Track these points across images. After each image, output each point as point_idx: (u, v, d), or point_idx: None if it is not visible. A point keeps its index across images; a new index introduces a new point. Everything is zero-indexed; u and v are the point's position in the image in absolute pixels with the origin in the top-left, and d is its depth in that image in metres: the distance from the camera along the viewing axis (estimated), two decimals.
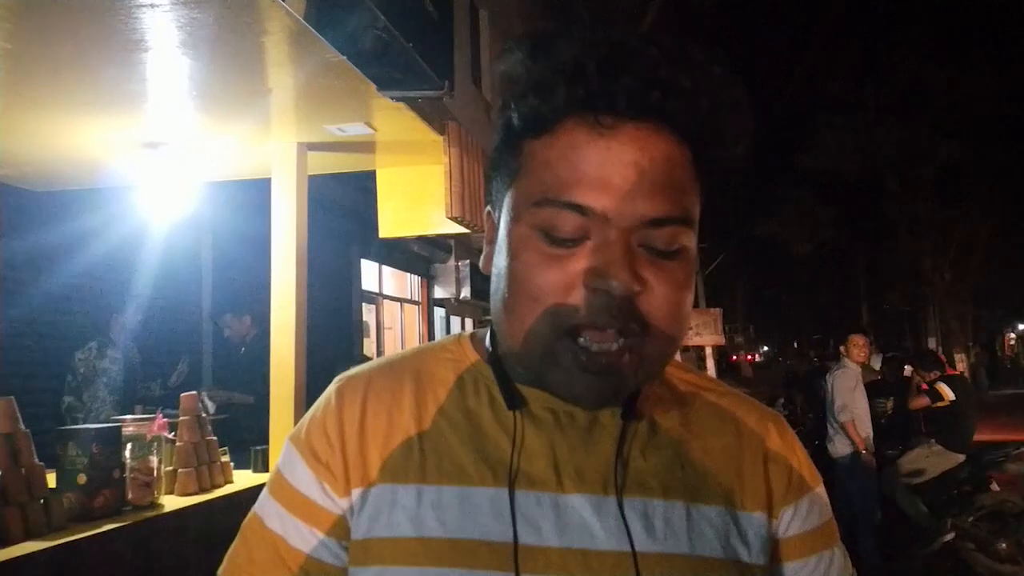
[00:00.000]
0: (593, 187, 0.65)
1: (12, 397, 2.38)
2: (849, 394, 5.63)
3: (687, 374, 0.82)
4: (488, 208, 0.77)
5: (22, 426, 2.37)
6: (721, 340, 18.70)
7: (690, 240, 0.68)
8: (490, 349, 0.77)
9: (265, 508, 0.76)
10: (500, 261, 0.71)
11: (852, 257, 25.73)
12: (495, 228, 0.74)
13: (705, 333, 17.70)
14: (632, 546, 0.67)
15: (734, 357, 34.44)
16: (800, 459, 0.79)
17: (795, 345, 35.11)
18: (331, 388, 0.79)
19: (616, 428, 0.72)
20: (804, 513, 0.78)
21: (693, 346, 17.73)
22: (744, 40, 19.18)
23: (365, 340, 10.10)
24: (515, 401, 0.72)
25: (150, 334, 5.42)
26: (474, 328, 0.89)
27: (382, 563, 0.69)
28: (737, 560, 0.71)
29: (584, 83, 0.65)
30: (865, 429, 5.71)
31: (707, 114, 0.66)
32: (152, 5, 2.19)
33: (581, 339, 0.65)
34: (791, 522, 0.77)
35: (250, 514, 0.77)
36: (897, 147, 19.03)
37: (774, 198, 22.52)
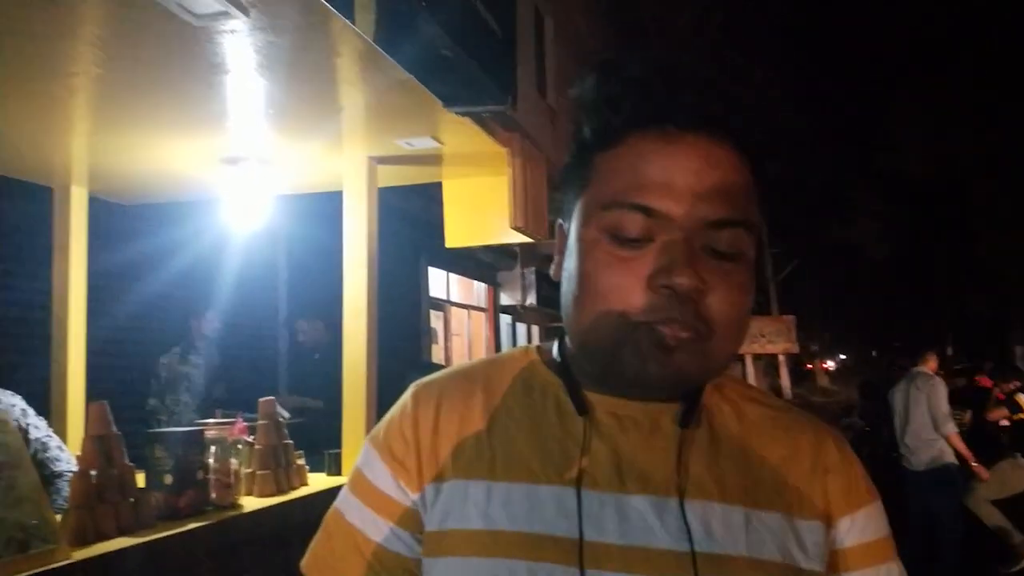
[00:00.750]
0: (658, 190, 0.70)
1: (106, 402, 2.54)
2: (947, 406, 5.52)
3: (744, 388, 0.86)
4: (560, 221, 0.82)
5: (114, 429, 2.52)
6: (795, 348, 18.26)
7: (749, 244, 0.73)
8: (558, 358, 0.81)
9: (345, 503, 0.82)
10: (570, 264, 0.76)
11: (933, 261, 24.77)
12: (565, 238, 0.79)
13: (778, 341, 17.31)
14: (692, 546, 0.70)
15: (809, 365, 33.54)
16: (858, 472, 0.82)
17: (873, 353, 33.98)
18: (407, 393, 0.84)
19: (676, 433, 0.76)
20: (862, 525, 0.79)
21: (766, 354, 17.38)
22: (818, 38, 18.67)
23: (433, 347, 10.25)
24: (583, 406, 0.76)
25: (229, 340, 5.64)
26: (540, 335, 0.95)
27: (454, 553, 0.74)
28: (795, 565, 0.74)
29: (649, 99, 0.71)
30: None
31: (761, 126, 0.72)
32: (232, 31, 2.32)
33: (651, 326, 0.69)
34: (849, 532, 0.79)
35: (332, 508, 0.83)
36: (980, 147, 18.27)
37: (850, 202, 21.87)
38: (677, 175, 0.70)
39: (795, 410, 0.86)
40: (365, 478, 0.81)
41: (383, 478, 0.80)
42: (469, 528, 0.74)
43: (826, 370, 35.31)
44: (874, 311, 30.30)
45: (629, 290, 0.70)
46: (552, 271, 0.82)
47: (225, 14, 2.19)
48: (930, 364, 5.71)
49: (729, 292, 0.70)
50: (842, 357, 39.92)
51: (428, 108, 2.96)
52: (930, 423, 5.40)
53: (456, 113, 2.83)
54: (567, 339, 0.82)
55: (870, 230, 22.12)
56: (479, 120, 3.08)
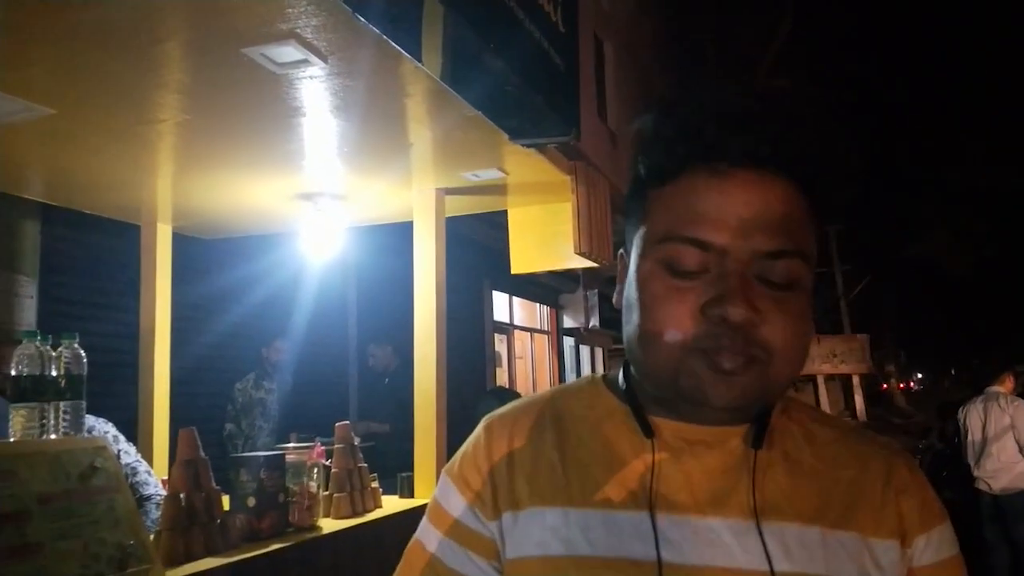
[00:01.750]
0: (712, 225, 0.73)
1: (194, 428, 2.67)
2: None
3: (813, 411, 0.88)
4: (621, 251, 0.86)
5: (202, 453, 2.65)
6: (868, 368, 17.69)
7: (805, 273, 0.75)
8: (623, 386, 0.84)
9: (425, 533, 0.85)
10: (630, 294, 0.79)
11: (1016, 277, 23.71)
12: (626, 268, 0.82)
13: (850, 361, 16.78)
14: (771, 566, 0.72)
15: (885, 386, 32.41)
16: (929, 493, 0.83)
17: (952, 372, 32.63)
18: (480, 426, 0.87)
19: (749, 455, 0.78)
20: (936, 544, 0.80)
21: (838, 375, 16.89)
22: (886, 51, 18.25)
23: (497, 370, 10.31)
24: (650, 430, 0.79)
25: (302, 366, 5.82)
26: (603, 357, 1.00)
27: None
28: None
29: (701, 139, 0.74)
30: None
31: (812, 162, 0.74)
32: (311, 77, 2.46)
33: (707, 351, 0.72)
34: (924, 551, 0.80)
35: (412, 540, 0.87)
36: None
37: (925, 215, 21.15)
38: (729, 209, 0.72)
39: (864, 432, 0.88)
40: (442, 508, 0.84)
41: (459, 508, 0.83)
42: (549, 555, 0.76)
43: (903, 390, 34.06)
44: (953, 329, 29.13)
45: (684, 319, 0.72)
46: (614, 299, 0.85)
47: (305, 62, 2.32)
48: (1007, 384, 5.50)
49: (784, 320, 0.72)
50: (919, 376, 38.47)
51: (494, 141, 3.05)
52: (1013, 446, 5.19)
53: (522, 145, 2.92)
54: (632, 366, 0.84)
55: (947, 244, 21.32)
56: (544, 150, 3.16)
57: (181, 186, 3.79)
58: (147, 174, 3.59)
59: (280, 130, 2.98)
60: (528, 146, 2.92)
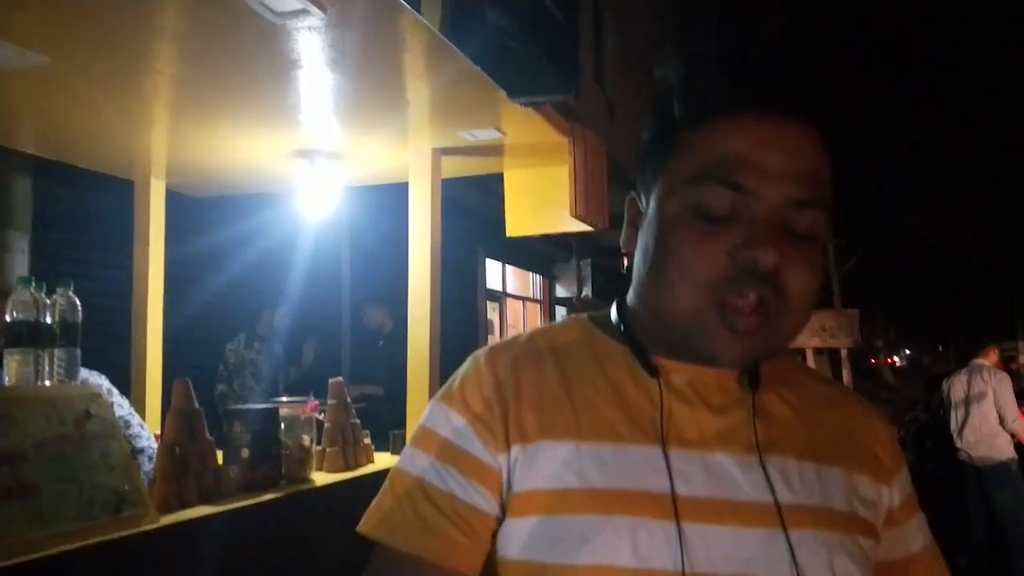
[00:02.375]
0: (747, 168, 0.74)
1: (188, 378, 2.68)
2: (1014, 399, 5.42)
3: (799, 364, 0.94)
4: (632, 194, 0.86)
5: (196, 404, 2.66)
6: (858, 342, 17.81)
7: (826, 226, 0.77)
8: (619, 326, 0.85)
9: (411, 461, 0.81)
10: (648, 236, 0.80)
11: (1008, 254, 23.81)
12: (639, 211, 0.83)
13: (841, 335, 16.86)
14: (775, 497, 0.75)
15: (873, 361, 32.68)
16: (894, 439, 0.91)
17: (940, 348, 32.95)
18: (479, 356, 0.85)
19: (746, 397, 0.81)
20: (902, 483, 0.88)
21: (828, 348, 17.00)
22: (895, 24, 18.08)
23: (490, 337, 10.36)
24: (654, 369, 0.80)
25: (294, 328, 5.83)
26: None
27: (548, 513, 0.75)
28: (858, 515, 0.80)
29: (744, 84, 0.77)
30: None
31: (840, 115, 0.78)
32: (309, 28, 2.43)
33: (726, 305, 0.73)
34: (897, 491, 0.87)
35: (393, 471, 0.83)
36: None
37: (919, 190, 21.15)
38: (767, 155, 0.73)
39: (842, 386, 0.95)
40: (442, 437, 0.80)
41: (466, 437, 0.79)
42: (563, 487, 0.75)
43: (892, 365, 34.37)
44: (943, 306, 29.34)
45: (711, 260, 0.73)
46: (622, 242, 0.85)
47: (304, 11, 2.29)
48: (991, 357, 5.58)
49: (804, 269, 0.74)
50: (907, 352, 38.81)
51: (492, 100, 3.03)
52: (994, 417, 5.29)
53: (521, 104, 2.90)
54: (632, 306, 0.85)
55: (941, 220, 21.36)
56: (542, 110, 3.15)
57: (175, 141, 3.76)
58: (141, 128, 3.56)
59: (276, 84, 2.96)
60: (526, 104, 2.91)
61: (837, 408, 0.88)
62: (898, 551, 0.86)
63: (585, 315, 0.91)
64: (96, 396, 2.31)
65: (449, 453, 0.79)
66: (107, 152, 3.89)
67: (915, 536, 0.88)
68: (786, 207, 0.74)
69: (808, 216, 0.75)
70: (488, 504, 0.78)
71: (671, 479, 0.75)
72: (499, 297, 11.00)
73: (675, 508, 0.73)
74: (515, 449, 0.78)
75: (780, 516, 0.75)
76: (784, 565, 0.73)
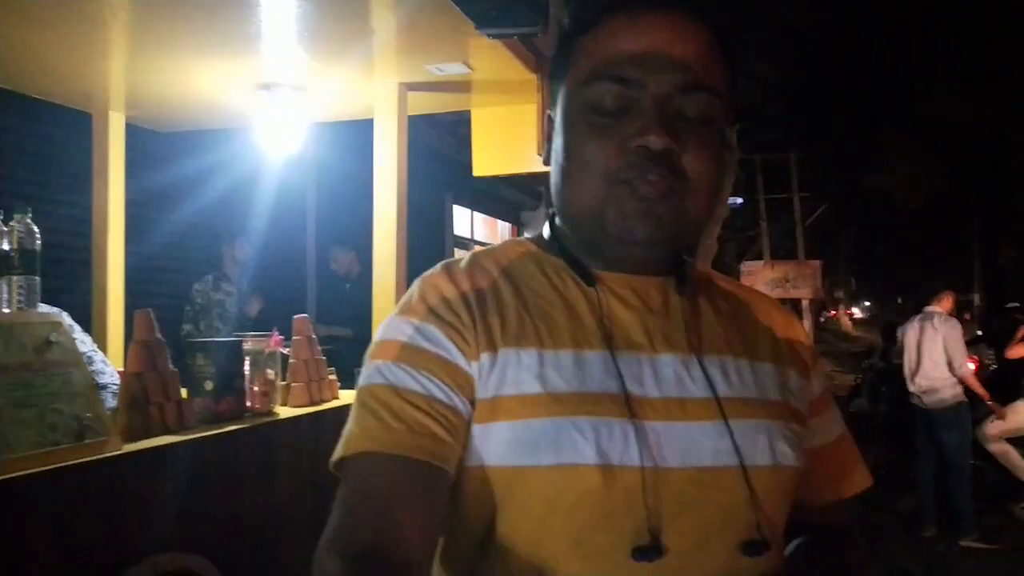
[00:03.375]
0: (631, 61, 0.79)
1: (150, 309, 2.66)
2: (963, 346, 5.61)
3: (713, 274, 0.99)
4: (548, 111, 0.90)
5: (159, 335, 2.65)
6: (819, 293, 18.20)
7: (719, 111, 0.81)
8: (554, 242, 0.90)
9: (383, 374, 0.80)
10: (557, 142, 0.85)
11: (966, 211, 24.28)
12: (552, 124, 0.88)
13: (802, 286, 17.27)
14: (715, 392, 0.81)
15: (833, 312, 33.34)
16: (809, 337, 0.99)
17: (899, 301, 33.74)
18: (432, 274, 0.87)
19: (677, 301, 0.87)
20: (821, 377, 0.96)
21: (789, 299, 17.34)
22: None
23: None
24: (590, 278, 0.85)
25: (260, 268, 5.77)
26: None
27: (515, 417, 0.77)
28: (789, 404, 0.88)
29: None
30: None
31: (723, 4, 0.84)
32: None
33: (630, 183, 0.78)
34: (816, 384, 0.95)
35: (359, 391, 0.81)
36: (1016, 95, 17.67)
37: (883, 147, 21.38)
38: (647, 46, 0.79)
39: (764, 293, 1.01)
40: (415, 346, 0.80)
41: (443, 345, 0.80)
42: (528, 393, 0.78)
43: (851, 316, 35.11)
44: (904, 259, 29.92)
45: (609, 153, 0.79)
46: (543, 159, 0.89)
47: None
48: (944, 304, 5.73)
49: (700, 152, 0.79)
50: (867, 305, 39.66)
51: (459, 32, 2.98)
52: (944, 363, 5.45)
53: (488, 36, 2.85)
54: (560, 222, 0.90)
55: (904, 176, 21.63)
56: (510, 45, 3.10)
57: (134, 71, 3.65)
58: (97, 56, 3.44)
59: (237, 10, 2.87)
60: (494, 37, 2.87)
61: (758, 309, 0.95)
62: (818, 439, 0.94)
63: (523, 238, 0.95)
64: (57, 324, 2.29)
65: (424, 360, 0.79)
66: (64, 82, 3.77)
67: (833, 426, 0.97)
68: (674, 93, 0.79)
69: (698, 100, 0.79)
70: (465, 407, 0.79)
71: (623, 381, 0.79)
72: (468, 244, 10.99)
73: (629, 408, 0.78)
74: (484, 356, 0.80)
75: (721, 409, 0.80)
76: (729, 453, 0.79)
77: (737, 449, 0.79)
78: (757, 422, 0.82)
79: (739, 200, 18.52)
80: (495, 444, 0.78)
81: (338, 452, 0.79)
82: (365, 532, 0.72)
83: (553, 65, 0.88)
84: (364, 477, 0.77)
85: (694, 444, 0.79)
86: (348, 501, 0.76)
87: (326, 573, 0.70)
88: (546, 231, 0.92)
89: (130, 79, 3.75)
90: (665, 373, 0.82)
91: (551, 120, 0.88)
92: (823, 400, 0.95)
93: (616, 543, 0.75)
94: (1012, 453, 6.07)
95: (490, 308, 0.83)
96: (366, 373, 0.82)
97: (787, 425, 0.85)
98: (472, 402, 0.80)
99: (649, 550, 0.75)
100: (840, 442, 0.96)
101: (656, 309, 0.86)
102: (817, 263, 17.84)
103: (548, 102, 0.90)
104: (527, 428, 0.77)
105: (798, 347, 0.94)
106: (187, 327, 5.45)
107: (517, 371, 0.79)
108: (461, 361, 0.80)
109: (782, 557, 0.85)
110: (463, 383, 0.79)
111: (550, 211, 0.94)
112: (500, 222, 12.34)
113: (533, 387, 0.78)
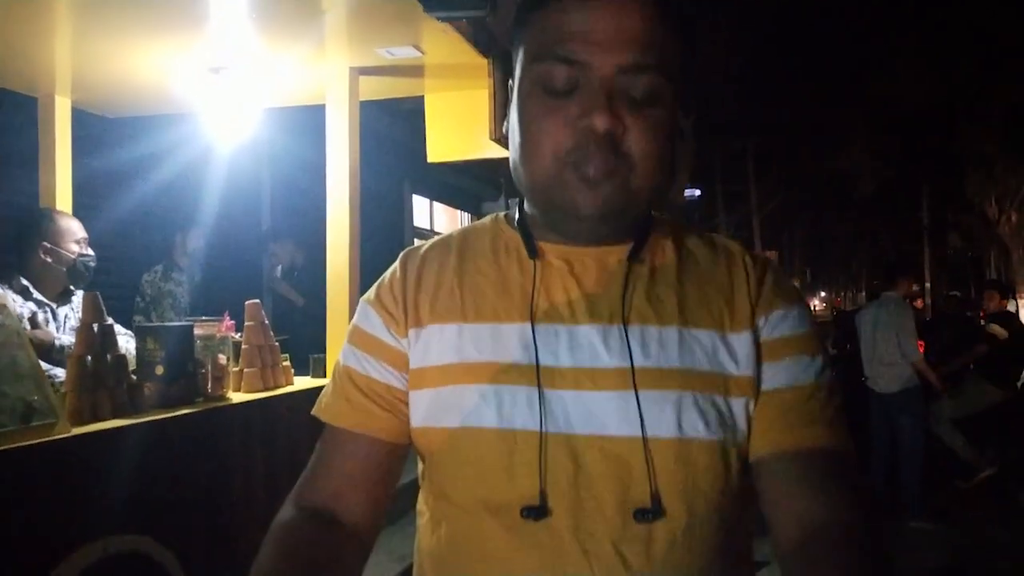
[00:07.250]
0: (577, 41, 0.80)
1: (98, 292, 2.63)
2: (915, 331, 5.70)
3: (689, 227, 0.97)
4: (510, 80, 0.91)
5: (107, 318, 2.62)
6: None
7: (667, 90, 0.82)
8: (516, 216, 0.94)
9: (344, 354, 0.96)
10: (513, 117, 0.87)
11: (917, 198, 24.83)
12: (510, 97, 0.90)
13: None
14: (631, 362, 0.82)
15: None
16: (777, 279, 0.92)
17: (854, 292, 34.48)
18: (400, 256, 0.98)
19: (622, 268, 0.87)
20: (793, 321, 0.88)
21: None
22: None
23: None
24: (534, 251, 0.89)
25: (212, 255, 5.69)
26: None
27: (435, 385, 0.88)
28: (723, 372, 0.85)
29: None
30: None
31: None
32: None
33: (578, 167, 0.81)
34: (773, 327, 0.88)
35: (335, 364, 0.97)
36: (968, 83, 18.11)
37: (836, 135, 21.70)
38: (595, 26, 0.80)
39: (729, 239, 0.98)
40: (361, 329, 0.94)
41: (377, 327, 0.93)
42: (445, 363, 0.88)
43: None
44: (858, 249, 30.57)
45: (557, 133, 0.81)
46: (503, 127, 0.92)
47: None
48: (900, 289, 5.83)
49: (646, 132, 0.80)
50: (823, 294, 40.42)
51: (409, 14, 2.98)
52: (896, 348, 5.58)
53: (437, 18, 2.87)
54: (518, 188, 0.92)
55: (857, 165, 21.99)
56: (461, 28, 3.12)
57: (80, 54, 3.57)
58: (44, 39, 3.37)
59: None
60: (443, 19, 2.88)
61: (720, 261, 0.91)
62: (767, 383, 0.86)
63: (503, 213, 1.00)
64: (1, 307, 2.26)
65: (365, 342, 0.94)
66: (7, 65, 3.68)
67: (795, 373, 0.86)
68: (619, 73, 0.80)
69: (644, 80, 0.80)
70: (399, 381, 0.91)
71: (536, 351, 0.84)
72: (427, 235, 10.95)
73: (537, 376, 0.83)
74: (411, 332, 0.91)
75: (633, 379, 0.82)
76: (635, 422, 0.81)
77: (641, 418, 0.81)
78: (669, 392, 0.82)
79: (696, 192, 18.75)
80: (419, 408, 0.89)
81: (314, 408, 0.97)
82: (320, 492, 0.90)
83: (512, 40, 0.90)
84: (324, 439, 0.94)
85: (599, 412, 0.81)
86: (315, 456, 0.95)
87: (281, 516, 0.88)
88: (516, 211, 0.96)
89: (76, 62, 3.68)
90: (581, 343, 0.84)
91: (509, 90, 0.90)
92: (791, 343, 0.87)
93: (514, 502, 0.81)
94: (958, 434, 6.29)
95: (424, 288, 0.92)
96: (343, 348, 0.97)
97: (709, 397, 0.83)
98: (405, 370, 0.91)
99: (535, 509, 0.80)
100: (797, 391, 0.85)
101: (592, 279, 0.88)
102: (773, 253, 18.14)
103: (499, 87, 0.94)
104: (440, 394, 0.87)
105: (761, 289, 0.89)
106: (138, 319, 5.35)
107: (440, 344, 0.89)
108: (390, 339, 0.92)
109: (694, 528, 0.81)
110: (395, 359, 0.91)
111: None
112: (460, 212, 12.33)
113: (450, 358, 0.87)
